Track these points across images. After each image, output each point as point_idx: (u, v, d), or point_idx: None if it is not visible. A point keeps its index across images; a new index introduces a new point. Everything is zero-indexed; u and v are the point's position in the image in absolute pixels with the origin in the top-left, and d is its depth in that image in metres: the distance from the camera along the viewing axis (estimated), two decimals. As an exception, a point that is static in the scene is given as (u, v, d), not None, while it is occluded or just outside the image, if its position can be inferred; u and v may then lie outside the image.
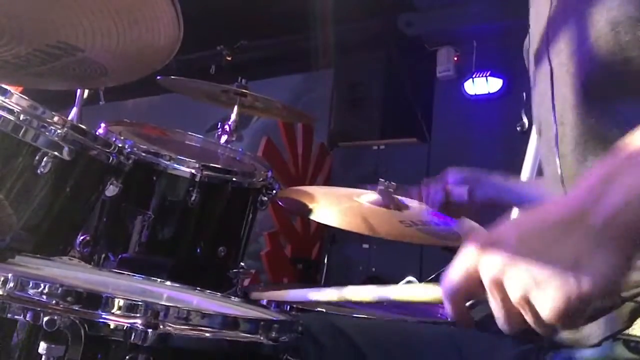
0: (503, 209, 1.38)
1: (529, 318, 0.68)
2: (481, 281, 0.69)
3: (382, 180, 1.68)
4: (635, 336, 0.83)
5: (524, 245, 0.67)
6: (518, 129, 3.90)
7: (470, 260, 0.70)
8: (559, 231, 0.65)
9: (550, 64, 0.94)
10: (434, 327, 1.31)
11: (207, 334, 0.91)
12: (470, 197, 1.41)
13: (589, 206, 0.65)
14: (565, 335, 0.92)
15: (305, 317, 1.06)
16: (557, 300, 0.63)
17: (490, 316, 0.72)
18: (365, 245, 4.60)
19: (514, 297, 0.67)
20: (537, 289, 0.64)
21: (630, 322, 0.83)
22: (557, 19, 0.94)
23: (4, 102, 1.35)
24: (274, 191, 1.97)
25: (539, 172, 2.27)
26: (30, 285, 0.86)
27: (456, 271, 0.72)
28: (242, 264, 1.99)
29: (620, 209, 0.63)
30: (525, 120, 3.85)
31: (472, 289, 0.71)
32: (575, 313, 0.64)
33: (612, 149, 0.69)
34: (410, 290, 0.91)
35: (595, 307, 0.64)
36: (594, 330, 0.87)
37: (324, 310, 1.50)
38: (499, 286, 0.67)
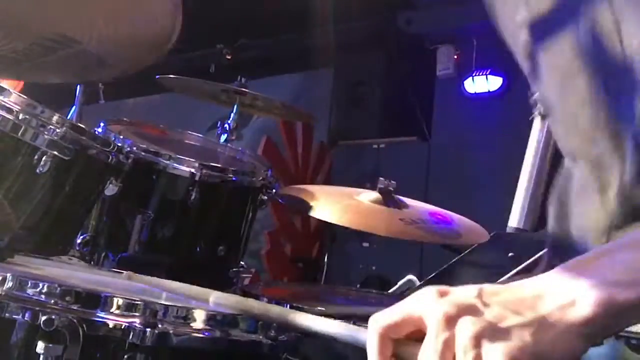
0: None
1: None
2: (421, 322, 0.63)
3: (382, 179, 1.68)
4: (638, 334, 0.82)
5: (487, 295, 0.63)
6: (530, 118, 3.88)
7: (419, 300, 0.65)
8: (526, 299, 0.63)
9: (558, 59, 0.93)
10: None
11: (206, 333, 0.91)
12: None
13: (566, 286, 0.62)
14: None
15: (302, 343, 1.05)
16: (512, 355, 0.59)
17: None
18: (366, 244, 4.60)
19: (464, 340, 0.60)
20: (492, 338, 0.60)
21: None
22: (558, 16, 0.93)
23: (3, 101, 1.35)
24: (274, 190, 1.97)
25: (539, 172, 2.27)
26: (29, 284, 0.86)
27: (398, 308, 0.67)
28: (242, 263, 1.99)
29: (586, 299, 0.61)
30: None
31: (409, 328, 0.65)
32: None
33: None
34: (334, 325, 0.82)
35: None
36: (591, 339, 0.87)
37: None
38: (448, 327, 0.61)
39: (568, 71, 0.89)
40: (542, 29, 0.93)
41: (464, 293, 0.64)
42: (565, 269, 0.65)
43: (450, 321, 0.61)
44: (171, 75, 2.53)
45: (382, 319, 0.68)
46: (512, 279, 1.93)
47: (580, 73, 0.86)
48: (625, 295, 0.61)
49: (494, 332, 0.60)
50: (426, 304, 0.64)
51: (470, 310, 0.62)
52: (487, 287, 0.65)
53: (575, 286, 0.62)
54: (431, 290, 0.66)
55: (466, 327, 0.60)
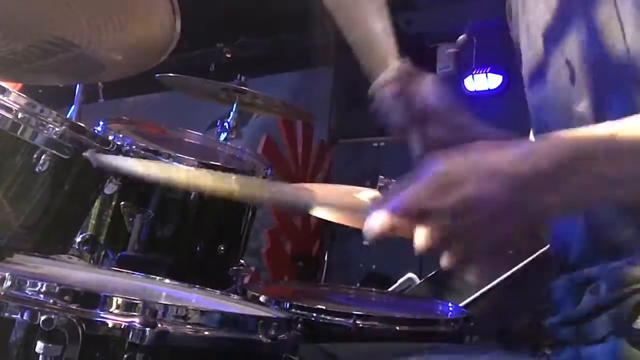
0: None
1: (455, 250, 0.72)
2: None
3: (382, 177, 1.68)
4: (640, 331, 0.82)
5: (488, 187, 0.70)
6: None
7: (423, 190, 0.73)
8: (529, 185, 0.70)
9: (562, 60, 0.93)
10: (438, 349, 1.30)
11: (206, 332, 0.91)
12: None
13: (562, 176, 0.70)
14: (570, 331, 0.92)
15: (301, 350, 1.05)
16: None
17: (487, 316, 0.74)
18: (366, 242, 4.59)
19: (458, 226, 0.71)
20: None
21: (635, 317, 0.83)
22: (563, 17, 0.93)
23: (2, 100, 1.34)
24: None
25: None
26: (28, 284, 0.85)
27: (406, 197, 0.75)
28: (242, 261, 1.98)
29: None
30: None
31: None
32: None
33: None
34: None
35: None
36: (598, 326, 0.87)
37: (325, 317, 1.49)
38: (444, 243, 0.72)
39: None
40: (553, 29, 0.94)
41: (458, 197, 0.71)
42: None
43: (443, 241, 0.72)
44: (171, 74, 2.53)
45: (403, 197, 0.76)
46: (512, 277, 1.93)
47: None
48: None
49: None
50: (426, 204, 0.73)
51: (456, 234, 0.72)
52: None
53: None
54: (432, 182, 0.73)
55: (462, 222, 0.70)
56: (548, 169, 0.71)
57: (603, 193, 0.72)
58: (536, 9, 1.03)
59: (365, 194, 1.72)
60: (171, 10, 0.91)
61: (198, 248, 1.88)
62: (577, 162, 0.71)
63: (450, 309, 1.71)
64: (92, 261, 1.72)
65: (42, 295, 0.85)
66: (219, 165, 1.89)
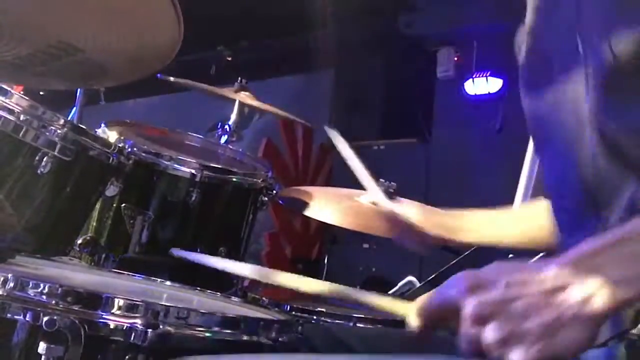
0: None
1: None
2: (457, 312, 0.71)
3: (382, 180, 1.68)
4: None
5: (512, 291, 0.70)
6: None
7: (456, 289, 0.73)
8: (547, 294, 0.69)
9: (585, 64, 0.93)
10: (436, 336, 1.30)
11: (207, 334, 0.91)
12: None
13: (575, 283, 0.69)
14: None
15: (305, 329, 1.06)
16: (530, 354, 0.67)
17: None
18: (366, 245, 4.60)
19: (490, 337, 0.69)
20: (514, 340, 0.68)
21: (635, 323, 0.83)
22: (573, 25, 0.93)
23: (5, 102, 1.35)
24: (274, 191, 1.97)
25: (539, 173, 2.27)
26: (30, 285, 0.86)
27: (440, 294, 0.75)
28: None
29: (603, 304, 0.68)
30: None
31: (448, 315, 0.74)
32: None
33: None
34: (378, 300, 0.94)
35: None
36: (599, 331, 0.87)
37: (325, 319, 1.49)
38: (478, 324, 0.70)
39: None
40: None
41: (493, 289, 0.70)
42: (579, 260, 0.72)
43: (479, 322, 0.69)
44: (172, 77, 2.54)
45: (429, 305, 0.77)
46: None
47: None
48: (633, 291, 0.69)
49: (516, 336, 0.68)
50: (459, 297, 0.72)
51: (496, 311, 0.69)
52: (514, 280, 0.71)
53: (590, 281, 0.69)
54: (464, 282, 0.72)
55: (493, 331, 0.68)
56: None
57: None
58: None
59: (366, 198, 1.72)
60: (175, 16, 0.91)
61: (199, 250, 1.88)
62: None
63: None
64: (93, 263, 1.72)
65: (44, 297, 0.85)
66: (220, 168, 1.89)
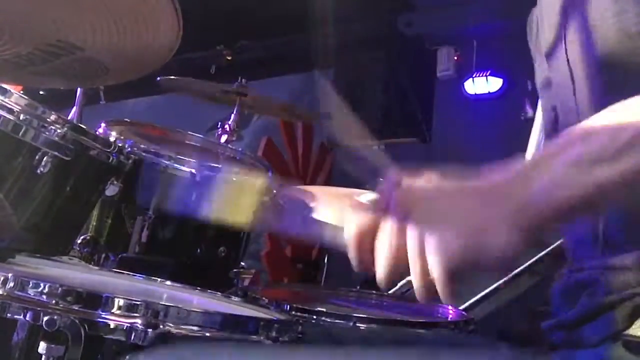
0: None
1: (415, 269, 0.68)
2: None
3: (383, 180, 1.68)
4: (635, 336, 0.82)
5: (440, 199, 0.71)
6: (522, 117, 3.88)
7: (384, 204, 0.71)
8: (477, 199, 0.70)
9: (567, 56, 0.93)
10: (433, 333, 1.30)
11: (207, 334, 0.91)
12: None
13: (513, 186, 0.69)
14: (564, 335, 0.92)
15: (303, 327, 1.06)
16: (453, 249, 0.65)
17: (487, 319, 0.73)
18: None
19: (411, 245, 0.67)
20: (437, 236, 0.66)
21: (629, 323, 0.83)
22: (566, 13, 0.93)
23: (4, 101, 1.35)
24: (274, 191, 1.97)
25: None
26: (30, 285, 0.86)
27: (366, 212, 0.73)
28: (242, 263, 1.98)
29: (539, 197, 0.66)
30: (529, 109, 3.84)
31: (375, 231, 0.71)
32: (464, 270, 0.66)
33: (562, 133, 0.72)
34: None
35: (479, 274, 0.68)
36: (593, 330, 0.87)
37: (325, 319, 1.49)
38: (400, 233, 0.68)
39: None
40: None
41: (418, 191, 0.73)
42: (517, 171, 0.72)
43: (402, 229, 0.69)
44: (172, 76, 2.54)
45: (355, 223, 0.74)
46: (513, 279, 1.93)
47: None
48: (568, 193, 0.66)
49: (438, 236, 0.66)
50: (387, 209, 0.71)
51: (422, 199, 0.71)
52: (446, 187, 0.74)
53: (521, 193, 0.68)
54: (389, 188, 0.73)
55: (414, 236, 0.67)
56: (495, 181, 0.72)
57: (588, 179, 0.65)
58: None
59: (366, 197, 1.72)
60: (174, 14, 0.91)
61: (199, 250, 1.88)
62: (539, 162, 0.71)
63: (450, 311, 1.71)
64: (93, 263, 1.72)
65: (44, 296, 0.85)
66: (220, 167, 1.89)
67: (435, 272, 0.66)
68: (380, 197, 0.73)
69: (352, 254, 0.74)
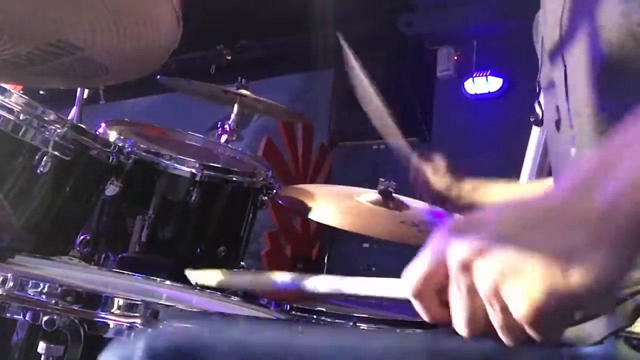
0: None
1: (496, 317, 0.56)
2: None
3: (382, 179, 1.68)
4: (638, 334, 0.82)
5: (504, 229, 0.55)
6: (532, 119, 3.88)
7: (440, 246, 0.58)
8: (550, 219, 0.54)
9: (564, 59, 0.93)
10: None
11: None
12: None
13: (586, 194, 0.54)
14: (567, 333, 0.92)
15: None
16: (538, 293, 0.52)
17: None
18: (366, 245, 4.60)
19: (483, 286, 0.54)
20: (513, 279, 0.52)
21: (633, 320, 0.82)
22: (570, 13, 0.93)
23: (4, 101, 1.35)
24: (274, 191, 1.97)
25: (539, 171, 2.27)
26: (30, 284, 0.86)
27: (422, 260, 0.59)
28: (242, 263, 1.99)
29: (622, 196, 0.52)
30: (538, 111, 3.84)
31: (441, 279, 0.58)
32: (557, 314, 0.54)
33: (612, 133, 0.59)
34: (372, 285, 0.79)
35: (583, 311, 0.55)
36: (596, 328, 0.87)
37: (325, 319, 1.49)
38: (466, 273, 0.55)
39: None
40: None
41: (481, 229, 0.56)
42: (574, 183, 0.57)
43: (467, 267, 0.55)
44: (171, 76, 2.54)
45: (413, 277, 0.60)
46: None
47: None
48: None
49: (514, 274, 0.52)
50: (444, 250, 0.57)
51: (485, 250, 0.54)
52: (506, 214, 0.57)
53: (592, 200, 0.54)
54: (447, 232, 0.59)
55: (483, 274, 0.54)
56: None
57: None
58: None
59: (366, 197, 1.72)
60: (174, 14, 0.91)
61: (199, 250, 1.88)
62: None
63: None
64: (92, 262, 1.72)
65: (44, 296, 0.85)
66: (219, 167, 1.89)
67: (523, 315, 0.54)
68: (436, 242, 0.59)
69: (422, 312, 0.62)
